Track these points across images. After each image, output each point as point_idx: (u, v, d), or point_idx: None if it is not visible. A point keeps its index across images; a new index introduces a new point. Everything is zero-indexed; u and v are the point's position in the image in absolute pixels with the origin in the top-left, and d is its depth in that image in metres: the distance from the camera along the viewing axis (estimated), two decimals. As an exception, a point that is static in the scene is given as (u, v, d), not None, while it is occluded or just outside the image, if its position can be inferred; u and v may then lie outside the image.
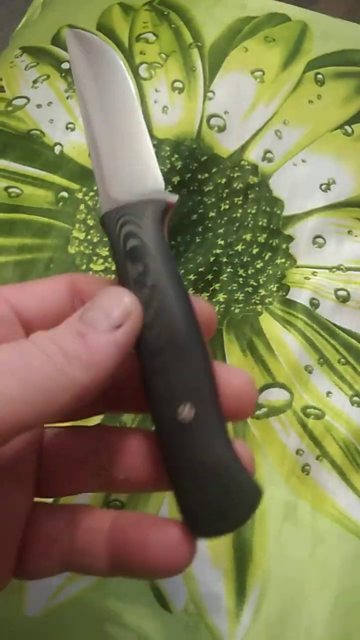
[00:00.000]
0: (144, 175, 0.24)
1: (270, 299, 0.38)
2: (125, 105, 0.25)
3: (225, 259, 0.39)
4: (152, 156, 0.25)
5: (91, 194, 0.41)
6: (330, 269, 0.39)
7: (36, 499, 0.24)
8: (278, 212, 0.41)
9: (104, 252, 0.39)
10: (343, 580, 0.32)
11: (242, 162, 0.42)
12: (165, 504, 0.33)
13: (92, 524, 0.23)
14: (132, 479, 0.24)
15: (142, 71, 0.45)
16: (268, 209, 0.41)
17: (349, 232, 0.40)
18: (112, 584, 0.31)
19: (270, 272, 0.39)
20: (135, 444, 0.24)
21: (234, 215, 0.41)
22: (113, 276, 0.33)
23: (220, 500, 0.21)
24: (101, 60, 0.26)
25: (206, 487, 0.21)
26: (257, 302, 0.38)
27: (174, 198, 0.24)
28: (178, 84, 0.44)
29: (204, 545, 0.32)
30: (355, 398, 0.36)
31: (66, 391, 0.19)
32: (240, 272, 0.39)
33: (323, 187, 0.41)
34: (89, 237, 0.40)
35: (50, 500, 0.29)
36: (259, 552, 0.32)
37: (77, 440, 0.24)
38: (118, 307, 0.21)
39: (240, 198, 0.41)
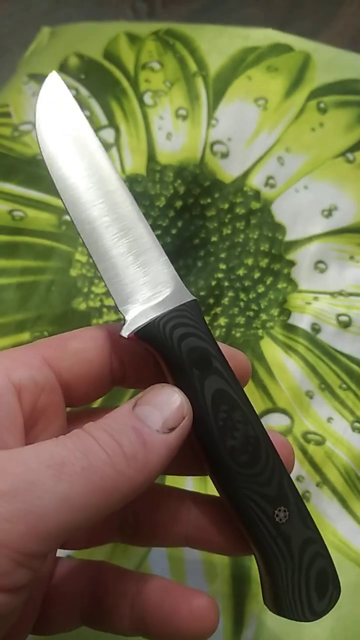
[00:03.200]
0: (169, 280, 0.23)
1: (272, 324, 0.38)
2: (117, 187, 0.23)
3: (226, 283, 0.40)
4: (164, 257, 0.23)
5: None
6: (331, 294, 0.39)
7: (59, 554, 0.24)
8: (280, 237, 0.41)
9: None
10: (342, 609, 0.31)
11: (245, 188, 0.42)
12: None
13: (118, 586, 0.23)
14: (156, 536, 0.24)
15: (147, 98, 0.46)
16: (270, 234, 0.41)
17: (351, 257, 0.40)
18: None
19: (272, 296, 0.39)
20: (160, 502, 0.24)
21: (236, 240, 0.41)
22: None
23: (315, 586, 0.23)
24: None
25: (302, 573, 0.22)
26: (258, 326, 0.38)
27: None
28: (182, 112, 0.45)
29: (202, 574, 0.32)
30: (356, 424, 0.35)
31: (120, 491, 0.18)
32: (242, 296, 0.39)
33: (325, 213, 0.41)
34: (91, 260, 0.40)
35: (70, 551, 0.29)
36: (257, 582, 0.32)
37: None
38: (170, 408, 0.20)
39: (243, 223, 0.41)
